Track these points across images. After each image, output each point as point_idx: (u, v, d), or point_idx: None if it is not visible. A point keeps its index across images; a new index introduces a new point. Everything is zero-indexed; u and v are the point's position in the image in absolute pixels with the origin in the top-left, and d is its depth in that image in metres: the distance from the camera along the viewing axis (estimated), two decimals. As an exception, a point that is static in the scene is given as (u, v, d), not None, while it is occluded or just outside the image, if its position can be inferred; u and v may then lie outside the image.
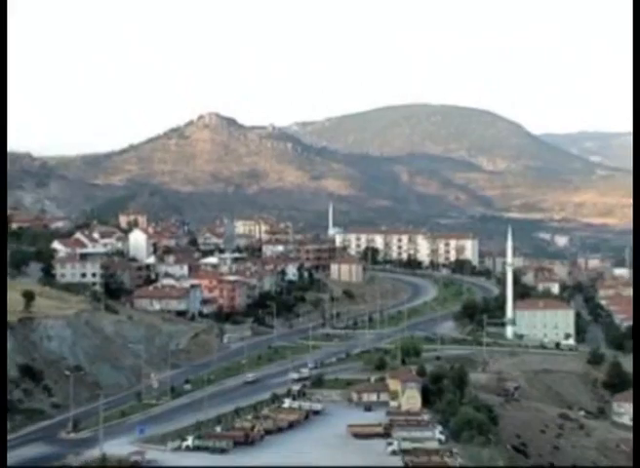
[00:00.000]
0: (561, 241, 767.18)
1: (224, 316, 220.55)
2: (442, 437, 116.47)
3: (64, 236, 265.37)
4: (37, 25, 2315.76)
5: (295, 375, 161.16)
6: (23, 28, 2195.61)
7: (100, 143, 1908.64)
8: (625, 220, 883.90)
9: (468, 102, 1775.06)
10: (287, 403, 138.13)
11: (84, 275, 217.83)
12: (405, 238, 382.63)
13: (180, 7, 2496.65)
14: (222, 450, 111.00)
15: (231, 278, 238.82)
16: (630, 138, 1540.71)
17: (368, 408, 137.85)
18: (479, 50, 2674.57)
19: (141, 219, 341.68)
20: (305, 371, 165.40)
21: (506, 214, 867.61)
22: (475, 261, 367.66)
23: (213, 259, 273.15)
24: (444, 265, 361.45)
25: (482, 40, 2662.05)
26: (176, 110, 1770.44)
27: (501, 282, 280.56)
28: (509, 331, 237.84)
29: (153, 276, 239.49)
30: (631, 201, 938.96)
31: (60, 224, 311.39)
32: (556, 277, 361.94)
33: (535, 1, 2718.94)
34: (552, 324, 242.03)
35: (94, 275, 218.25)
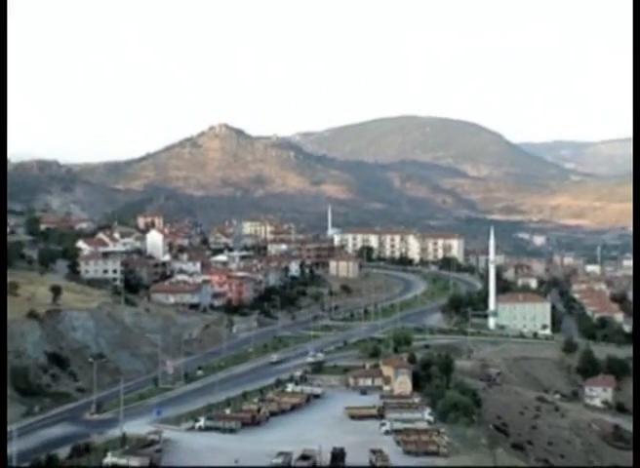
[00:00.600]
0: (538, 240, 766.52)
1: (233, 308, 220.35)
2: (430, 418, 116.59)
3: (88, 236, 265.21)
4: (64, 40, 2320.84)
5: (310, 359, 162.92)
6: (61, 42, 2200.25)
7: (120, 152, 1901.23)
8: (597, 221, 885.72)
9: (454, 115, 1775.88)
10: (290, 387, 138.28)
11: (106, 271, 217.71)
12: (397, 238, 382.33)
13: (198, 26, 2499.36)
14: (231, 430, 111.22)
15: (239, 274, 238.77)
16: (601, 147, 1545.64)
17: (363, 392, 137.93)
18: (464, 67, 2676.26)
19: (158, 221, 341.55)
20: (321, 356, 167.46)
21: (489, 215, 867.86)
22: (461, 259, 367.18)
23: (222, 257, 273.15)
24: (432, 262, 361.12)
25: (467, 57, 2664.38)
26: (189, 121, 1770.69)
27: (484, 277, 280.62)
28: (491, 322, 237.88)
29: (168, 272, 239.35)
30: (602, 204, 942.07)
31: (84, 225, 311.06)
32: (534, 273, 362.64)
33: (513, 23, 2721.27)
34: (530, 315, 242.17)
35: (114, 271, 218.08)
